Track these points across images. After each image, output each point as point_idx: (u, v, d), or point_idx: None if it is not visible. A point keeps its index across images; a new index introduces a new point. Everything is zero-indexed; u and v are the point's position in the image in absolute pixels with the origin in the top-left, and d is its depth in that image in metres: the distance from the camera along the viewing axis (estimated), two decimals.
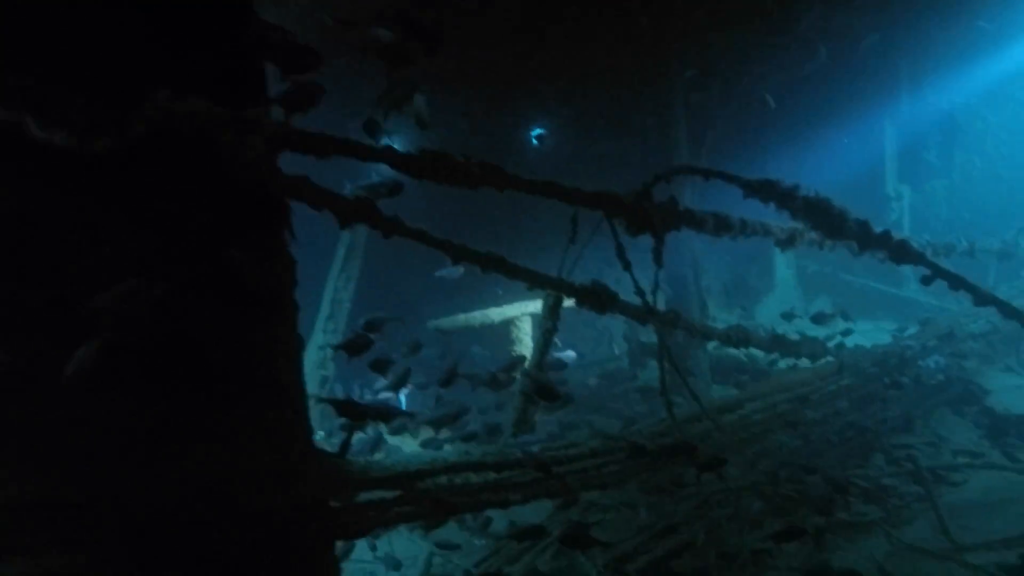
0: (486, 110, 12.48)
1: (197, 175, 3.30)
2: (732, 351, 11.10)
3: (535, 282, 4.91)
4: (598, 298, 5.24)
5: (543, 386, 5.73)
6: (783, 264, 15.97)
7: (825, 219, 4.89)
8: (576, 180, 4.45)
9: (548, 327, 5.73)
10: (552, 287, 5.08)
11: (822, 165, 13.22)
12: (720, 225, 5.39)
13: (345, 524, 4.40)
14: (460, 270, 7.03)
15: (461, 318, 10.17)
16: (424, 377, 8.19)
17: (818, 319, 8.38)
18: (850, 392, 8.06)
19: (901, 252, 5.24)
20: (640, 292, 4.95)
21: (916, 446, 8.48)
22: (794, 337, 7.95)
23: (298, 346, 4.05)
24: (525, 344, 10.17)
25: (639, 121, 11.40)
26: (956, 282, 5.54)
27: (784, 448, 7.56)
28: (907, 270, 14.38)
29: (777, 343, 7.55)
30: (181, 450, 3.38)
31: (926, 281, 5.55)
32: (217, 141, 3.08)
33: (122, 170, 3.10)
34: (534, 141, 14.99)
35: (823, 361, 8.18)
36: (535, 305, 10.08)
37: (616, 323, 12.67)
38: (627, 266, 4.79)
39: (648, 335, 11.68)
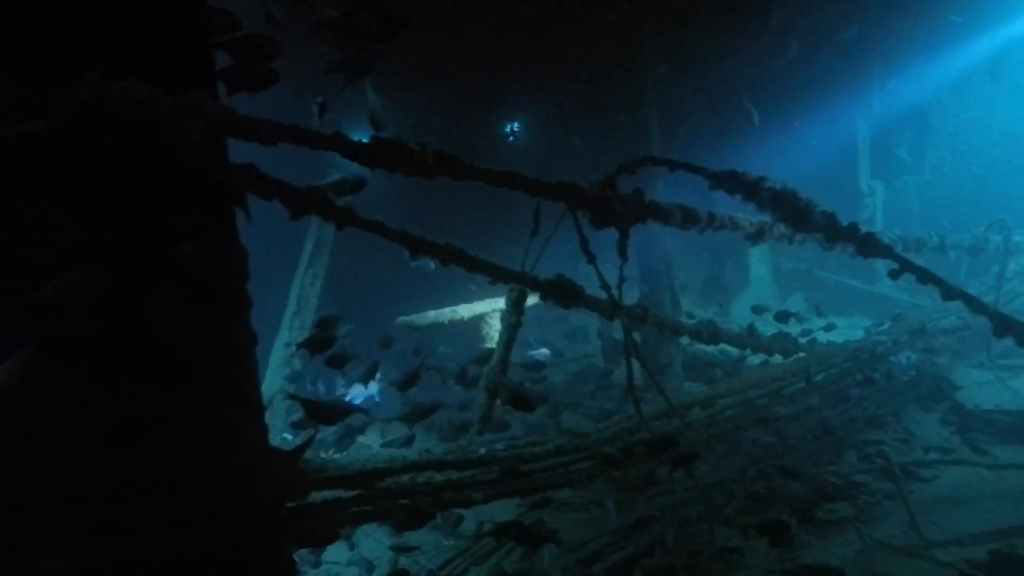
0: (458, 105, 12.38)
1: (141, 164, 3.17)
2: (705, 348, 11.10)
3: (497, 276, 4.81)
4: (563, 292, 5.15)
5: (517, 395, 5.55)
6: (758, 261, 15.98)
7: (791, 211, 4.83)
8: (551, 175, 4.38)
9: (512, 322, 5.64)
10: (515, 281, 4.98)
11: (795, 160, 13.22)
12: (687, 218, 5.31)
13: (301, 525, 4.28)
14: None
15: (431, 315, 10.04)
16: (397, 373, 8.09)
17: (781, 317, 8.34)
18: (822, 388, 8.02)
19: (868, 245, 5.19)
20: (605, 286, 4.85)
21: (887, 442, 8.47)
22: (765, 333, 7.92)
23: (251, 341, 3.92)
24: (496, 341, 10.01)
25: (612, 116, 11.35)
26: (924, 276, 5.51)
27: (756, 445, 7.51)
28: (881, 267, 14.46)
29: (747, 339, 7.51)
30: (124, 447, 3.26)
31: (894, 275, 5.51)
32: (156, 126, 2.95)
33: (63, 159, 2.99)
34: (509, 137, 14.93)
35: (794, 357, 8.18)
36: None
37: (591, 320, 12.58)
38: (591, 259, 4.70)
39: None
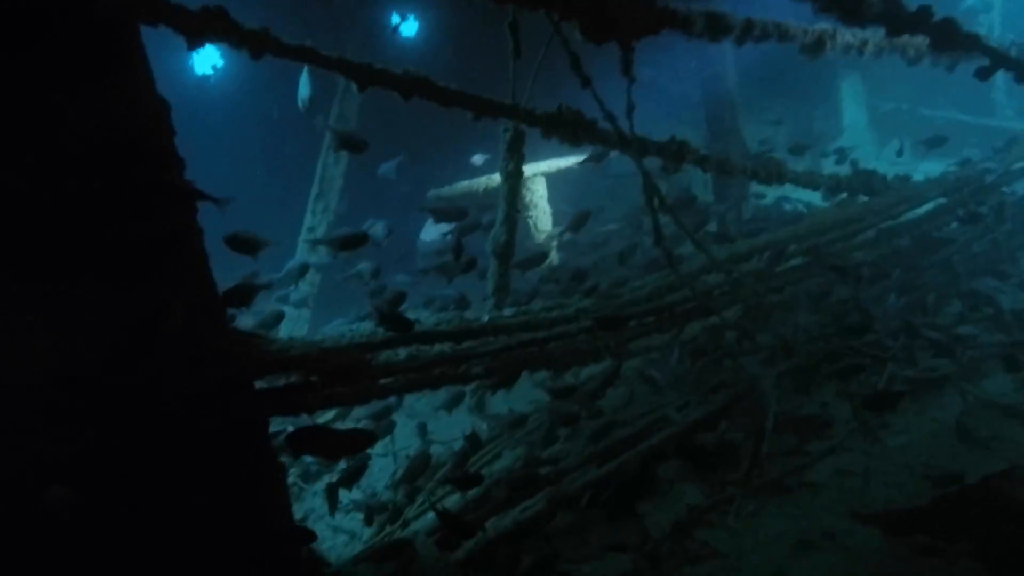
0: None
1: None
2: (793, 203, 10.22)
3: (480, 110, 4.23)
4: (569, 126, 4.53)
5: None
6: (852, 104, 14.64)
7: None
8: None
9: (510, 170, 5.00)
10: (506, 115, 4.37)
11: None
12: (715, 26, 4.52)
13: (274, 408, 4.01)
14: (394, 165, 6.75)
15: (463, 184, 9.46)
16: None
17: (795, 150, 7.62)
18: (914, 229, 7.16)
19: (946, 35, 4.31)
20: (609, 116, 4.19)
21: (1001, 288, 7.59)
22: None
23: (190, 213, 3.54)
24: (541, 208, 9.44)
25: None
26: None
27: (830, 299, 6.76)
28: (1000, 96, 13.01)
29: (820, 177, 6.72)
30: (69, 333, 3.02)
31: (983, 74, 4.62)
32: None
33: None
34: None
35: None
36: (548, 164, 9.31)
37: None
38: (586, 83, 4.03)
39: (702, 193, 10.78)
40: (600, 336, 4.61)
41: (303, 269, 6.19)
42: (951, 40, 4.41)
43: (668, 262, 4.82)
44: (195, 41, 3.18)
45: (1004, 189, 7.87)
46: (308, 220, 8.77)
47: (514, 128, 4.91)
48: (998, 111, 13.24)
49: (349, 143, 5.31)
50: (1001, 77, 8.11)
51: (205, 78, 12.03)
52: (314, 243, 6.76)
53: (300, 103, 5.88)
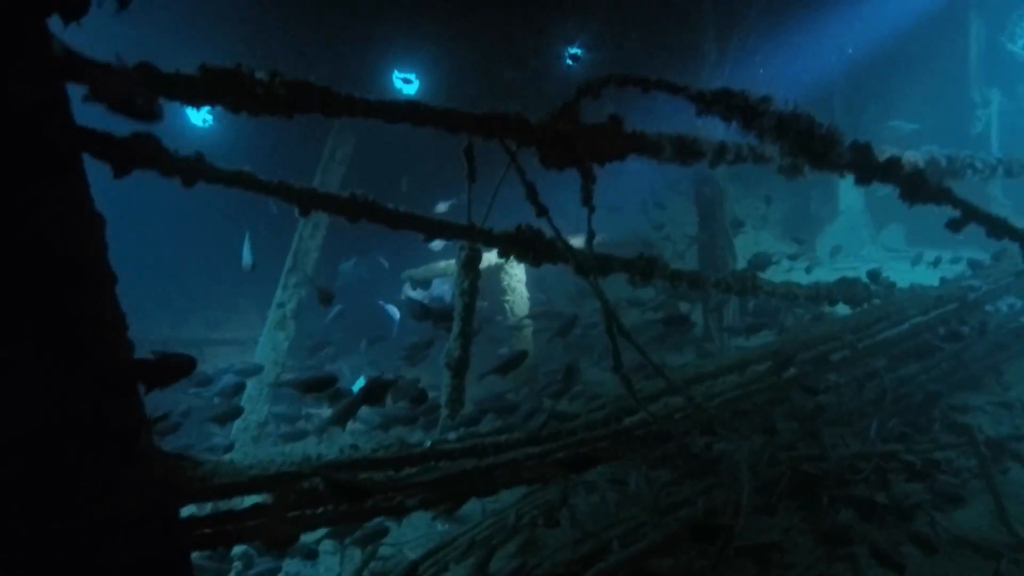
0: (509, 28, 11.59)
1: None
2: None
3: (433, 232, 4.11)
4: (529, 246, 4.42)
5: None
6: (849, 189, 14.56)
7: (804, 142, 3.90)
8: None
9: (464, 288, 4.87)
10: (462, 236, 4.25)
11: (888, 67, 11.63)
12: (685, 151, 4.42)
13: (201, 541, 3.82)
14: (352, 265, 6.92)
15: (440, 265, 9.36)
16: None
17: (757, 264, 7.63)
18: (893, 347, 7.00)
19: (915, 186, 4.23)
20: (563, 241, 4.08)
21: (983, 408, 7.43)
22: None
23: (121, 321, 3.39)
24: (519, 293, 9.32)
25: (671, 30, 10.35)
26: (997, 228, 4.54)
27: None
28: (996, 188, 12.93)
29: (799, 289, 6.58)
30: None
31: (954, 226, 4.57)
32: None
33: None
34: (568, 62, 14.01)
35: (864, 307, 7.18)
36: None
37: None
38: (541, 212, 3.91)
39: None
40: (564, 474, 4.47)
41: (237, 388, 6.12)
42: (919, 191, 4.34)
43: (627, 390, 4.68)
44: (122, 171, 3.06)
45: (987, 307, 7.76)
46: (279, 295, 8.61)
47: (470, 247, 4.80)
48: (993, 205, 13.15)
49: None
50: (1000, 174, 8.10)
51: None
52: (279, 386, 6.79)
53: (244, 267, 6.14)
